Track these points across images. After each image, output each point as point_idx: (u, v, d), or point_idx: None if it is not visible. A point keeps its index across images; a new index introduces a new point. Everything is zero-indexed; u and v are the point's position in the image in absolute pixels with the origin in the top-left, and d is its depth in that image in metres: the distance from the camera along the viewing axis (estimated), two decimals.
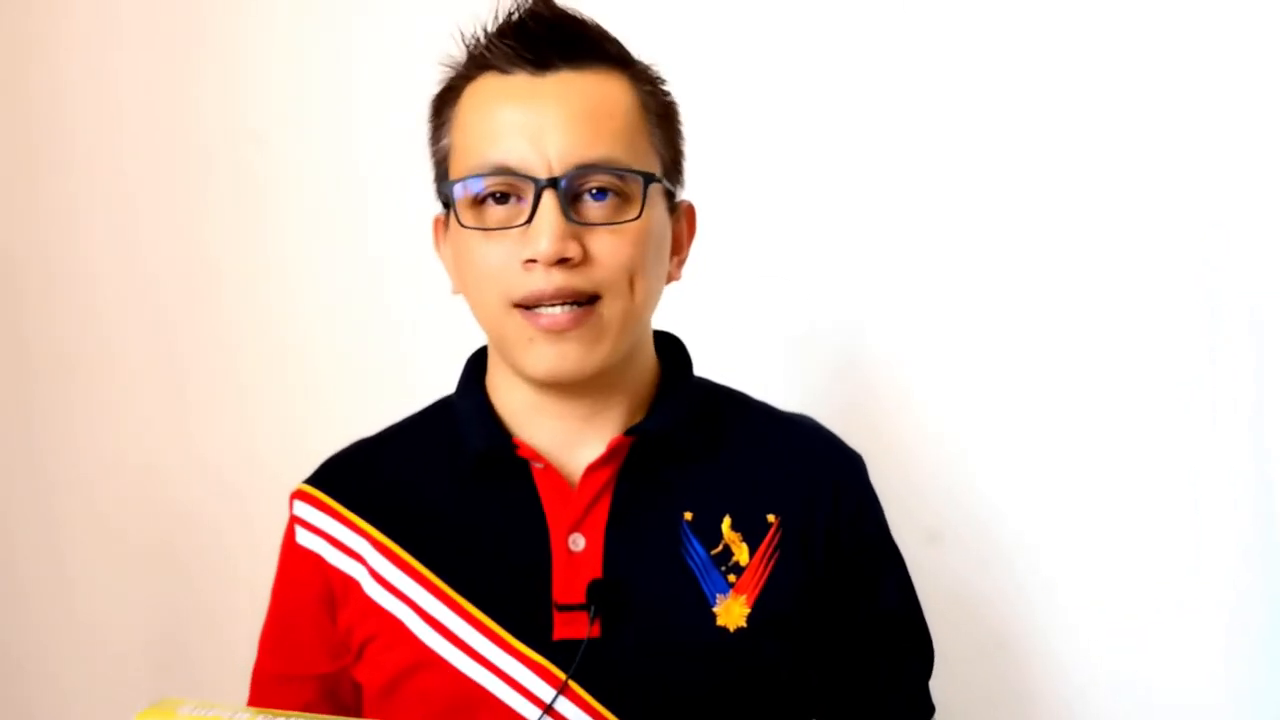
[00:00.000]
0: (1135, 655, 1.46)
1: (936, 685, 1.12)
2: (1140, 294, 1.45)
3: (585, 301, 0.94)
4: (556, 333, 0.93)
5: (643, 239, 0.95)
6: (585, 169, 0.92)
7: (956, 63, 1.48)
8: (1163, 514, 1.45)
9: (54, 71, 1.61)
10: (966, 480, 1.51)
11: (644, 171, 0.94)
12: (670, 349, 1.07)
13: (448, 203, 0.98)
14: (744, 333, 1.52)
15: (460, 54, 0.99)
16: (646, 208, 0.94)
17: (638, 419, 1.01)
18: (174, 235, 1.61)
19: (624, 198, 0.94)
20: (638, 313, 0.97)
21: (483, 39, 0.97)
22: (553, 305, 0.93)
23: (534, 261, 0.92)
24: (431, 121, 1.01)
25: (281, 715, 0.79)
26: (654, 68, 1.02)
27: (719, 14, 1.52)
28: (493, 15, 0.98)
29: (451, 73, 1.00)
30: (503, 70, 0.95)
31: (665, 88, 1.02)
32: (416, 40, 1.50)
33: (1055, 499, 1.48)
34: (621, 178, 0.93)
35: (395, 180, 1.51)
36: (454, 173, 0.98)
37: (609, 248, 0.93)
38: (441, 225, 1.02)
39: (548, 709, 0.94)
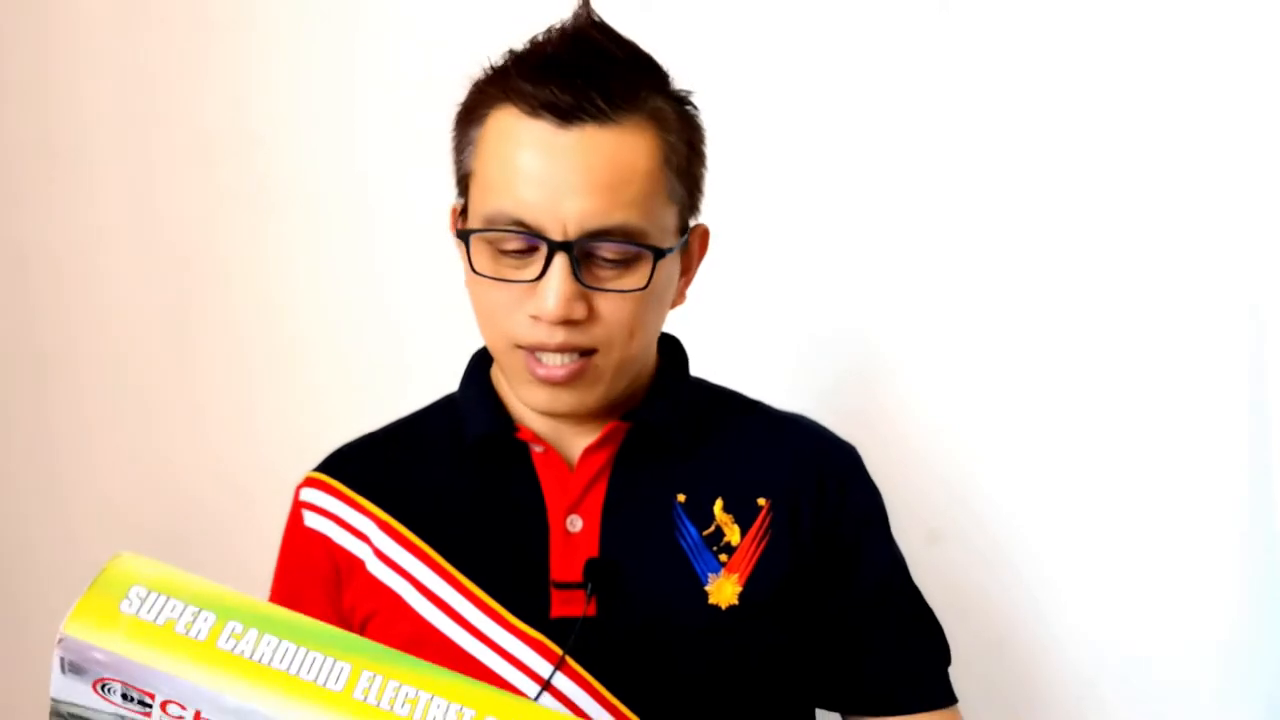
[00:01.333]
0: (1138, 654, 1.47)
1: None
2: (1140, 294, 1.46)
3: (584, 353, 0.96)
4: (552, 383, 0.96)
5: (647, 299, 0.95)
6: (598, 235, 0.92)
7: (959, 71, 1.49)
8: (1163, 513, 1.45)
9: (53, 71, 1.62)
10: (969, 481, 1.51)
11: (655, 247, 0.94)
12: (669, 348, 1.09)
13: (465, 237, 0.97)
14: (749, 338, 1.52)
15: (487, 67, 0.97)
16: (654, 278, 0.94)
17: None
18: (181, 233, 1.61)
19: (634, 262, 0.94)
20: (634, 358, 0.98)
21: (511, 68, 0.94)
22: (553, 354, 0.95)
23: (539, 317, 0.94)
24: (456, 130, 1.00)
25: (262, 604, 0.73)
26: (684, 94, 0.99)
27: (732, 27, 1.53)
28: (525, 37, 0.95)
29: (479, 86, 0.97)
30: (527, 111, 0.92)
31: (692, 112, 1.00)
32: (418, 41, 1.54)
33: (1058, 499, 1.49)
34: (634, 246, 0.93)
35: (398, 181, 1.54)
36: (473, 204, 0.97)
37: (614, 308, 0.94)
38: (457, 214, 1.02)
39: (546, 684, 0.95)
